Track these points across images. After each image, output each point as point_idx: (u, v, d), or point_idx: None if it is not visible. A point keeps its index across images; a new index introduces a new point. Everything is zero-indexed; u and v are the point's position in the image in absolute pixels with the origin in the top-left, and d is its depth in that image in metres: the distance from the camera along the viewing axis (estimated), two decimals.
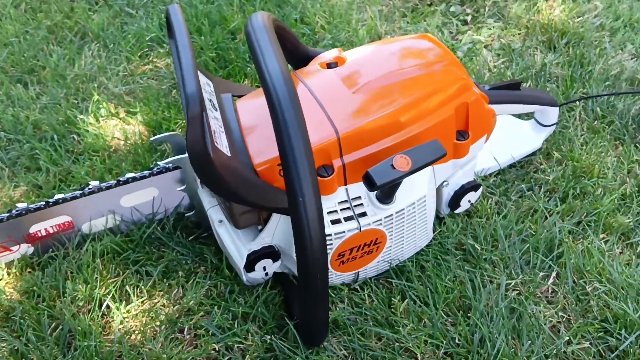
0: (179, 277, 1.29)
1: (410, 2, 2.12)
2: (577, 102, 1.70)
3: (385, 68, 1.22)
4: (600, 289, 1.28)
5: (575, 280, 1.31)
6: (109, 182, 1.28)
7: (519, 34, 1.98)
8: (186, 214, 1.38)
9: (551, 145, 1.60)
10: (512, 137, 1.58)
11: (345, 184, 1.16)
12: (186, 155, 1.25)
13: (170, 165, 1.30)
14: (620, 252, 1.37)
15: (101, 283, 1.25)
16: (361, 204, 1.18)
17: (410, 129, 1.17)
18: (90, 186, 1.26)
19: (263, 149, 1.13)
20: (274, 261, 1.22)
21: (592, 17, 2.01)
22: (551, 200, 1.47)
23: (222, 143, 1.06)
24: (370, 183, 1.08)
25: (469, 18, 2.08)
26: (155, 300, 1.25)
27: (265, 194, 1.09)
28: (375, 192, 1.17)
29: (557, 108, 1.55)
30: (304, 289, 1.04)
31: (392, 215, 1.19)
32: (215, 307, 1.23)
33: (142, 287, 1.26)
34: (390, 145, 1.16)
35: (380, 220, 1.18)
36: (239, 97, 1.27)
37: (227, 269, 1.29)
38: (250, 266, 1.20)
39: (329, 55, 1.29)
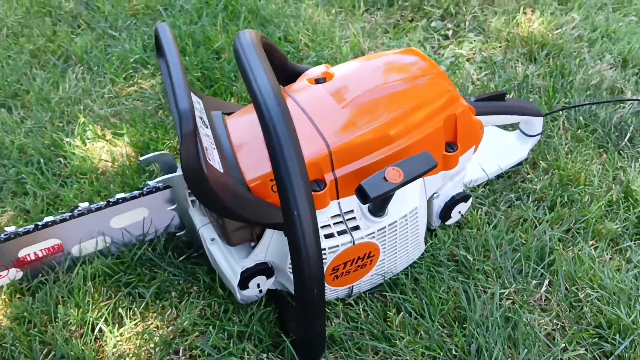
0: (172, 298, 1.27)
1: (391, 18, 2.15)
2: (560, 112, 1.73)
3: (373, 82, 1.23)
4: (592, 295, 1.29)
5: (568, 287, 1.32)
6: (99, 203, 1.26)
7: (499, 47, 2.01)
8: (177, 234, 1.37)
9: (537, 155, 1.62)
10: (498, 148, 1.60)
11: (338, 198, 1.16)
12: (176, 174, 1.25)
13: (160, 184, 1.29)
14: (610, 258, 1.39)
15: (93, 306, 1.23)
16: (354, 218, 1.18)
17: (400, 142, 1.18)
18: (79, 208, 1.25)
19: (255, 165, 1.13)
20: (267, 278, 1.21)
21: (570, 29, 2.05)
22: (540, 209, 1.48)
23: (214, 160, 1.06)
24: (363, 196, 1.08)
25: (449, 33, 2.11)
26: (149, 322, 1.23)
27: (259, 210, 1.08)
28: (367, 205, 1.17)
29: (542, 118, 1.58)
30: (300, 304, 1.03)
31: (384, 227, 1.19)
32: (210, 327, 1.22)
33: (135, 309, 1.24)
34: (381, 158, 1.17)
35: (373, 233, 1.18)
36: (229, 114, 1.27)
37: (220, 288, 1.28)
38: (244, 284, 1.19)
39: (317, 71, 1.30)
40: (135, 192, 1.29)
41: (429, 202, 1.35)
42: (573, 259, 1.36)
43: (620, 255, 1.40)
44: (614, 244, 1.42)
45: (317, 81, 1.26)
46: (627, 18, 2.12)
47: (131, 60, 1.87)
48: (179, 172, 1.26)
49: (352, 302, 1.29)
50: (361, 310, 1.27)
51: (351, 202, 1.17)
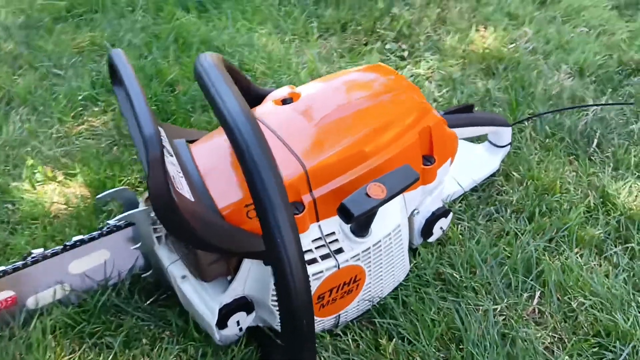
0: (142, 346, 1.16)
1: (346, 42, 2.12)
2: (526, 123, 1.71)
3: (343, 99, 1.18)
4: (585, 303, 1.25)
5: (560, 297, 1.27)
6: (54, 248, 1.15)
7: (457, 64, 2.00)
8: (143, 275, 1.26)
9: (508, 167, 1.59)
10: (469, 161, 1.55)
11: (318, 220, 1.09)
12: (138, 209, 1.15)
13: (122, 223, 1.19)
14: (598, 265, 1.35)
15: None
16: (336, 240, 1.10)
17: (377, 158, 1.13)
18: (33, 255, 1.13)
19: (227, 191, 1.04)
20: (248, 314, 1.12)
21: (524, 43, 2.07)
22: (519, 220, 1.44)
23: (183, 188, 0.97)
24: (346, 215, 1.01)
25: (405, 53, 2.09)
26: None
27: (235, 239, 1.00)
28: (350, 226, 1.10)
29: (510, 128, 1.55)
30: (289, 339, 0.94)
31: (369, 248, 1.12)
32: None
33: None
34: (359, 175, 1.10)
35: (358, 255, 1.11)
36: (191, 142, 1.19)
37: (195, 330, 1.17)
38: (222, 322, 1.09)
39: (282, 92, 1.23)
40: (95, 233, 1.18)
41: (410, 220, 1.29)
42: (561, 268, 1.31)
43: (606, 261, 1.36)
44: (598, 251, 1.38)
45: (284, 102, 1.19)
46: (578, 29, 2.15)
47: (79, 97, 1.76)
48: (142, 207, 1.16)
49: (340, 332, 1.20)
50: (350, 340, 1.18)
51: (332, 223, 1.10)
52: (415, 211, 1.28)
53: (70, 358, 1.12)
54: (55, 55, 1.97)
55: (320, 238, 1.09)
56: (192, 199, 0.97)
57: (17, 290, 1.14)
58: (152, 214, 1.15)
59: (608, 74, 1.94)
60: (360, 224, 1.09)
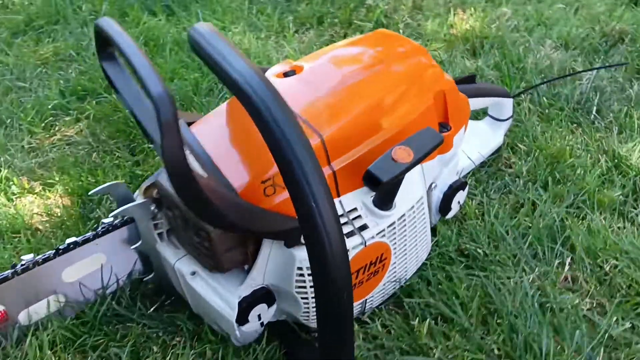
0: (154, 354, 1.04)
1: (324, 35, 2.05)
2: (523, 95, 1.66)
3: (350, 67, 1.09)
4: (619, 265, 1.18)
5: (591, 262, 1.20)
6: (46, 253, 1.02)
7: (441, 47, 1.95)
8: (144, 279, 1.14)
9: (512, 140, 1.53)
10: (472, 137, 1.48)
11: (338, 196, 0.99)
12: (137, 202, 1.04)
13: (118, 221, 1.07)
14: (622, 227, 1.29)
15: None
16: (359, 216, 1.01)
17: (394, 125, 1.04)
18: (23, 262, 1.00)
19: (240, 170, 0.94)
20: (269, 306, 1.01)
21: (505, 21, 2.03)
22: (534, 190, 1.38)
23: (193, 166, 0.87)
24: (373, 182, 0.93)
25: None
26: None
27: (255, 217, 0.89)
28: (373, 200, 1.01)
29: (511, 100, 1.49)
30: (325, 318, 0.83)
31: (394, 223, 1.03)
32: None
33: None
34: (377, 145, 1.01)
35: (384, 230, 1.02)
36: (189, 124, 1.08)
37: (210, 333, 1.06)
38: (243, 317, 0.98)
39: (282, 66, 1.14)
40: (89, 234, 1.06)
41: (427, 195, 1.20)
42: (587, 231, 1.25)
43: (629, 222, 1.30)
44: (619, 213, 1.33)
45: (286, 75, 1.10)
46: (556, 6, 2.13)
47: (49, 107, 1.64)
48: (139, 200, 1.05)
49: (368, 319, 1.10)
50: (380, 326, 1.09)
51: (354, 198, 1.01)
52: (433, 185, 1.19)
53: None
54: (17, 68, 1.84)
55: (342, 215, 1.00)
56: (205, 176, 0.87)
57: (7, 303, 1.01)
58: (152, 207, 1.04)
59: (593, 46, 1.92)
60: (385, 196, 1.00)
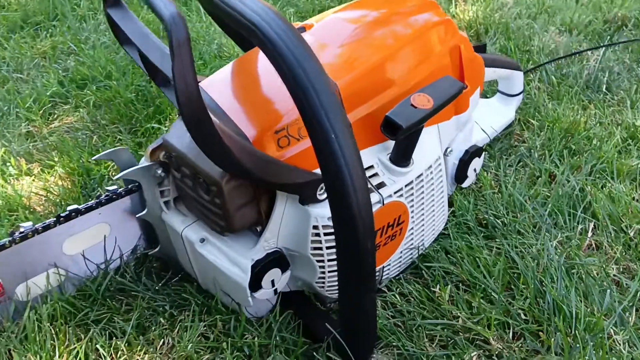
0: (161, 327, 0.98)
1: None
2: (532, 74, 1.63)
3: (363, 21, 1.06)
4: None
5: (615, 228, 1.15)
6: (46, 221, 0.97)
7: None
8: (149, 252, 1.09)
9: (524, 116, 1.49)
10: (484, 113, 1.44)
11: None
12: (142, 165, 0.99)
13: (122, 189, 1.02)
14: None
15: (61, 350, 0.91)
16: (376, 174, 0.96)
17: (411, 77, 1.01)
18: (21, 230, 0.95)
19: (253, 119, 0.90)
20: (283, 271, 0.96)
21: (508, 10, 2.01)
22: (550, 162, 1.33)
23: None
24: (393, 128, 0.89)
25: None
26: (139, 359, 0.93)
27: (270, 167, 0.84)
28: (389, 156, 0.97)
29: (522, 73, 1.46)
30: (349, 269, 0.79)
31: (412, 182, 0.99)
32: (223, 345, 0.93)
33: (119, 345, 0.93)
34: (394, 97, 0.97)
35: (401, 189, 0.97)
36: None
37: (221, 304, 1.00)
38: (256, 282, 0.93)
39: None
40: (91, 202, 1.00)
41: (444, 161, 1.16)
42: (609, 198, 1.20)
43: None
44: (639, 183, 1.28)
45: None
46: None
47: (47, 94, 1.59)
48: (144, 162, 1.00)
49: (385, 289, 1.05)
50: (398, 295, 1.03)
51: (370, 155, 0.96)
52: (449, 149, 1.15)
53: (76, 347, 0.92)
54: (14, 60, 1.81)
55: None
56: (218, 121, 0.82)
57: (4, 274, 0.95)
58: (159, 171, 0.99)
59: (597, 31, 1.90)
60: (402, 150, 0.96)
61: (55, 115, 1.56)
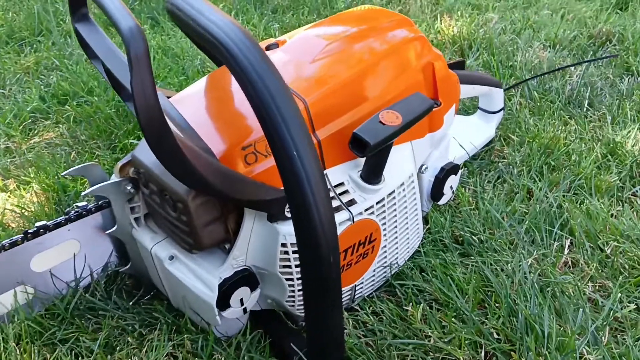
0: (129, 346, 0.96)
1: None
2: (514, 90, 1.63)
3: (334, 38, 1.05)
4: (620, 246, 1.13)
5: (591, 245, 1.15)
6: (13, 237, 0.96)
7: None
8: (120, 270, 1.08)
9: (505, 132, 1.49)
10: (464, 130, 1.44)
11: (324, 169, 0.94)
12: (112, 181, 0.98)
13: (92, 205, 1.01)
14: (622, 211, 1.24)
15: None
16: (346, 191, 0.96)
17: (382, 94, 1.00)
18: None
19: (220, 135, 0.89)
20: (252, 290, 0.95)
21: (492, 26, 2.02)
22: (529, 178, 1.33)
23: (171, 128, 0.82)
24: (361, 146, 0.88)
25: None
26: None
27: (235, 183, 0.84)
28: (360, 173, 0.96)
29: (502, 90, 1.46)
30: (312, 287, 0.77)
31: (383, 199, 0.98)
32: None
33: None
34: (364, 114, 0.97)
35: (372, 207, 0.96)
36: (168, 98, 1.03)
37: (190, 323, 0.99)
38: (224, 301, 0.92)
39: (264, 43, 1.10)
40: (60, 218, 1.00)
41: (419, 178, 1.15)
42: (586, 215, 1.20)
43: (629, 206, 1.25)
44: (616, 198, 1.28)
45: (269, 48, 1.06)
46: (542, 12, 2.13)
47: (28, 109, 1.59)
48: (114, 178, 0.99)
49: (357, 307, 1.04)
50: (370, 314, 1.02)
51: (339, 173, 0.96)
52: (424, 167, 1.14)
53: None
54: None
55: (328, 190, 0.94)
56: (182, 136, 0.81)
57: None
58: (129, 187, 0.98)
59: (581, 46, 1.90)
60: (372, 167, 0.95)
61: (35, 131, 1.55)
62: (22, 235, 0.96)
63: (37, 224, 0.97)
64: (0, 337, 0.94)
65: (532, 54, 1.81)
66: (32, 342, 0.95)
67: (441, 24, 2.06)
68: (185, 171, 0.76)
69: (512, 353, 0.94)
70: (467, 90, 1.37)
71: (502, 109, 1.48)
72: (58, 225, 0.99)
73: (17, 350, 0.92)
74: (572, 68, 1.75)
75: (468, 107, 1.56)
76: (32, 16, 2.11)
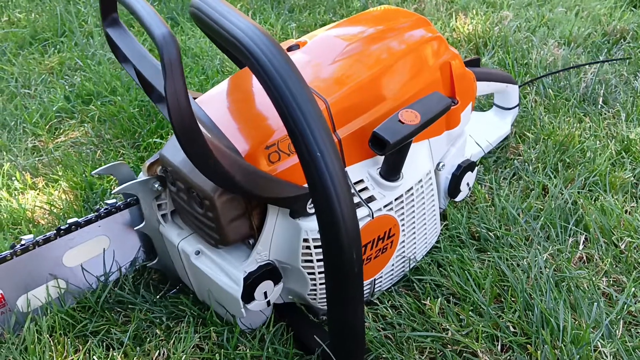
0: (157, 338, 1.00)
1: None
2: (529, 87, 1.65)
3: (355, 38, 1.08)
4: (634, 242, 1.15)
5: (606, 240, 1.17)
6: (47, 233, 1.00)
7: None
8: (147, 265, 1.12)
9: (520, 129, 1.51)
10: (480, 127, 1.47)
11: (345, 166, 0.97)
12: (140, 179, 1.02)
13: (121, 203, 1.05)
14: (636, 207, 1.26)
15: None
16: (366, 188, 0.99)
17: (401, 94, 1.03)
18: (22, 242, 0.98)
19: (244, 134, 0.93)
20: (275, 283, 0.98)
21: (507, 24, 2.03)
22: (543, 175, 1.35)
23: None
24: (380, 144, 0.91)
25: None
26: None
27: (260, 181, 0.87)
28: (379, 170, 0.99)
29: (517, 87, 1.48)
30: (335, 282, 0.80)
31: (402, 196, 1.01)
32: (216, 356, 0.95)
33: (116, 356, 0.96)
34: (383, 113, 1.00)
35: (391, 203, 1.00)
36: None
37: (215, 316, 1.03)
38: (249, 294, 0.95)
39: (285, 44, 1.13)
40: (91, 215, 1.04)
41: (436, 177, 1.18)
42: (600, 211, 1.22)
43: None
44: (631, 195, 1.30)
45: (290, 49, 1.09)
46: (556, 9, 2.14)
47: (54, 109, 1.63)
48: (142, 176, 1.03)
49: (377, 301, 1.07)
50: (389, 308, 1.05)
51: (359, 170, 0.99)
52: (441, 164, 1.17)
53: (74, 358, 0.95)
54: (22, 76, 1.85)
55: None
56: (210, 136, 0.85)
57: (5, 286, 0.98)
58: (156, 185, 1.02)
59: (596, 44, 1.92)
60: (391, 165, 0.98)
61: (61, 130, 1.60)
62: (54, 231, 1.00)
63: (69, 221, 1.01)
64: (34, 329, 0.98)
65: (547, 52, 1.82)
66: (64, 334, 0.99)
67: (456, 22, 2.08)
68: (215, 170, 0.79)
69: (528, 346, 0.96)
70: (482, 88, 1.40)
71: (518, 105, 1.50)
72: (89, 222, 1.03)
73: (51, 342, 0.97)
74: (587, 66, 1.76)
75: (483, 105, 1.59)
76: (54, 17, 2.16)
